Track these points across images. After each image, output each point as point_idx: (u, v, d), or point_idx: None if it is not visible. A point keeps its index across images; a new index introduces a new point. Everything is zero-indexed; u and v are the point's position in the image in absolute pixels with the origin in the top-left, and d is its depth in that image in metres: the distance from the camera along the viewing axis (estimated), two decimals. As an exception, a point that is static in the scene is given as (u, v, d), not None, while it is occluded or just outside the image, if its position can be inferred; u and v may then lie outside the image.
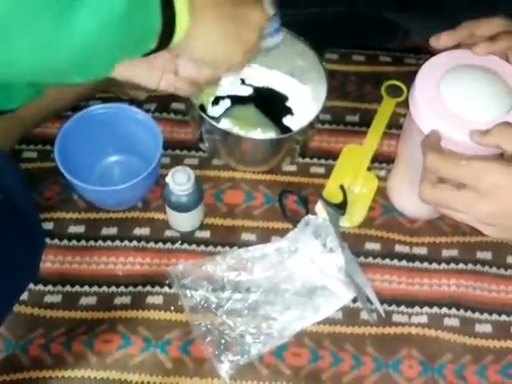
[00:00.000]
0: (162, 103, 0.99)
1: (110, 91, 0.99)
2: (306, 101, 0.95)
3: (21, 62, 0.50)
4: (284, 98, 0.97)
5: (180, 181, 0.80)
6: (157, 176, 0.89)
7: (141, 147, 0.88)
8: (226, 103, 0.95)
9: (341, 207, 0.89)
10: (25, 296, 0.83)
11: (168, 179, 0.81)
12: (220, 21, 0.62)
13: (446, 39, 0.76)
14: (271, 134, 0.92)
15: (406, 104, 0.79)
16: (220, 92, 0.95)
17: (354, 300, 0.84)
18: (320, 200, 0.90)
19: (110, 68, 0.57)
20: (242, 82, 0.96)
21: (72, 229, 0.89)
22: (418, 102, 0.74)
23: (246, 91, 0.96)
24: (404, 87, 1.00)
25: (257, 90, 0.97)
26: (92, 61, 0.54)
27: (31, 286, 0.83)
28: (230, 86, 0.95)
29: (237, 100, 0.95)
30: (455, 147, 0.71)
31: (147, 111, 0.88)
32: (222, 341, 0.80)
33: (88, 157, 0.89)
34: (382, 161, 0.96)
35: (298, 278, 0.85)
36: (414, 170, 0.76)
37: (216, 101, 0.95)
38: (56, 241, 0.88)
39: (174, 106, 0.99)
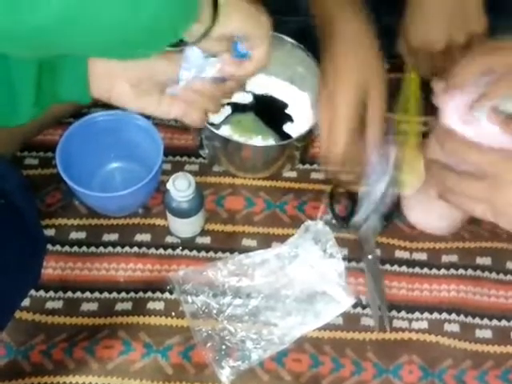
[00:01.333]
0: (162, 110, 1.00)
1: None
2: (305, 108, 0.96)
3: (98, 40, 0.54)
4: (284, 105, 0.97)
5: (181, 187, 0.81)
6: (157, 182, 0.89)
7: (142, 154, 0.88)
8: (227, 110, 0.95)
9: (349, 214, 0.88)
10: (26, 302, 0.83)
11: (169, 185, 0.81)
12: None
13: None
14: (271, 141, 0.92)
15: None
16: (220, 99, 0.95)
17: (355, 305, 0.85)
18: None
19: (171, 39, 0.59)
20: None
21: (73, 235, 0.89)
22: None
23: (246, 98, 0.97)
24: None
25: (257, 97, 0.97)
26: (158, 33, 0.57)
27: (33, 292, 0.84)
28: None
29: (237, 107, 0.96)
30: (482, 138, 0.69)
31: (148, 118, 0.88)
32: (223, 346, 0.81)
33: (89, 163, 0.89)
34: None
35: (299, 284, 0.85)
36: (430, 183, 0.76)
37: (216, 108, 0.95)
38: (57, 247, 0.88)
39: (175, 113, 1.00)
